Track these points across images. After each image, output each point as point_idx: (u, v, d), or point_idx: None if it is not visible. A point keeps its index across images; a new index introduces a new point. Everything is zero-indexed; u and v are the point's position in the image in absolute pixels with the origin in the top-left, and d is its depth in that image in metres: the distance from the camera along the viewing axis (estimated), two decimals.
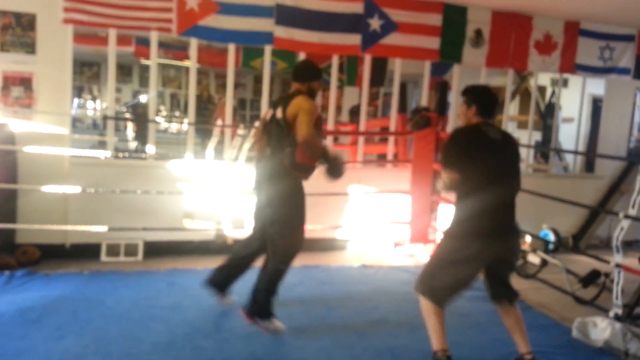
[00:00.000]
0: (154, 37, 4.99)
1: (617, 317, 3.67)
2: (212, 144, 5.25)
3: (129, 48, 7.94)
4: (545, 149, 7.19)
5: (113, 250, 4.92)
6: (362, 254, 5.63)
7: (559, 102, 6.64)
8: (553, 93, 7.66)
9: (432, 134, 5.40)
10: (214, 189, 5.08)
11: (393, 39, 5.53)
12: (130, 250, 4.96)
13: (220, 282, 3.82)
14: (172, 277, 4.47)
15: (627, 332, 3.54)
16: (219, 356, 3.17)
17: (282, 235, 3.44)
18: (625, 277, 3.76)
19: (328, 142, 5.96)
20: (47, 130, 4.73)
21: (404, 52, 5.65)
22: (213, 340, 3.36)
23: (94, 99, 13.46)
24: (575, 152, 7.00)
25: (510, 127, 7.50)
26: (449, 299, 3.04)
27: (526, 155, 6.69)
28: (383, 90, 8.47)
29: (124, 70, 13.19)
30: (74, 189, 4.64)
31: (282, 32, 5.18)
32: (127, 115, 11.89)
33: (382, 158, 6.50)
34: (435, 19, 5.63)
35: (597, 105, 7.27)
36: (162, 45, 7.71)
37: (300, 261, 5.12)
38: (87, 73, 13.25)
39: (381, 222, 5.68)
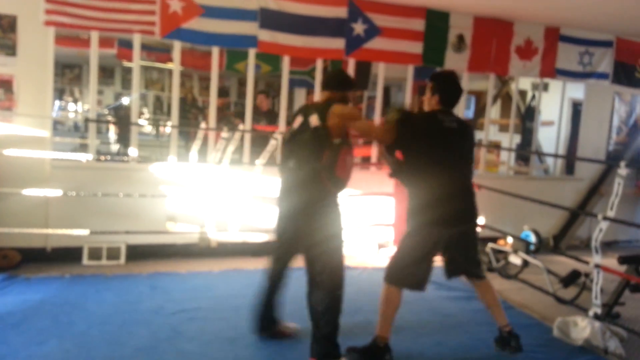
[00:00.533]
0: (136, 39, 4.96)
1: (596, 316, 3.74)
2: (195, 146, 5.21)
3: (112, 50, 7.86)
4: (526, 152, 7.29)
5: (95, 253, 4.87)
6: (346, 255, 5.63)
7: (539, 106, 6.75)
8: (533, 97, 7.77)
9: None
10: (197, 192, 5.06)
11: (376, 43, 5.58)
12: (113, 253, 4.91)
13: (268, 315, 3.48)
14: (154, 280, 4.44)
15: (606, 331, 3.61)
16: None
17: (327, 255, 3.10)
18: (604, 277, 3.83)
19: None
20: (27, 133, 4.67)
21: (387, 56, 5.70)
22: (197, 343, 3.35)
23: (75, 101, 13.30)
24: (556, 155, 7.11)
25: (491, 130, 7.59)
26: (419, 285, 3.26)
27: (507, 158, 6.78)
28: (367, 93, 8.51)
29: (106, 73, 13.06)
30: (55, 192, 4.59)
31: (266, 36, 5.19)
32: (109, 118, 11.78)
33: (366, 161, 6.53)
34: (418, 24, 5.69)
35: (576, 109, 7.40)
36: (145, 47, 7.65)
37: None
38: (68, 75, 13.10)
39: (365, 224, 5.71)
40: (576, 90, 7.11)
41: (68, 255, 4.82)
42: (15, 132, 4.64)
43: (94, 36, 4.85)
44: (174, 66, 5.22)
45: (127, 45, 6.69)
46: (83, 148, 7.27)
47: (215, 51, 5.22)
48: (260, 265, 5.05)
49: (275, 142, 5.12)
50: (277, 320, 3.52)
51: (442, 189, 3.15)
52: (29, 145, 4.60)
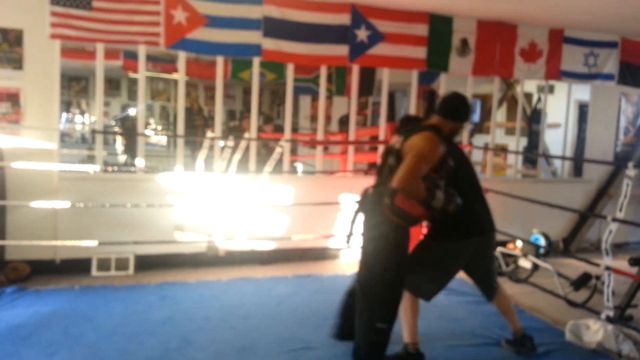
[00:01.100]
0: (142, 50, 4.99)
1: (609, 319, 3.69)
2: (202, 155, 5.23)
3: (117, 62, 7.93)
4: (533, 154, 7.26)
5: (104, 264, 4.89)
6: (354, 262, 5.63)
7: (545, 108, 6.73)
8: (539, 99, 7.74)
9: None
10: (204, 201, 5.07)
11: (380, 49, 5.58)
12: (121, 264, 4.92)
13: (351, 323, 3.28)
14: (163, 290, 4.45)
15: (619, 334, 3.57)
16: None
17: (369, 280, 2.96)
18: (615, 279, 3.79)
19: (318, 151, 5.99)
20: (35, 146, 4.70)
21: (391, 62, 5.70)
22: (207, 353, 3.34)
23: (82, 113, 13.41)
24: (563, 158, 7.07)
25: (497, 134, 7.56)
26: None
27: (514, 161, 6.75)
28: (372, 99, 8.51)
29: (113, 84, 13.18)
30: (64, 204, 4.61)
31: (270, 44, 5.21)
32: (116, 129, 11.85)
33: (372, 167, 6.52)
34: (421, 29, 5.69)
35: (583, 110, 7.37)
36: (150, 58, 7.69)
37: (292, 271, 5.17)
38: (75, 87, 13.22)
39: None
40: (582, 91, 7.08)
41: (77, 266, 4.83)
42: (23, 144, 4.67)
43: (100, 48, 4.88)
44: (180, 76, 5.25)
45: (132, 56, 6.74)
46: (90, 159, 7.32)
47: (219, 61, 5.25)
48: (268, 273, 5.08)
49: (281, 150, 5.13)
50: None
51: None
52: (37, 158, 4.62)
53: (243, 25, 5.11)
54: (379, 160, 3.20)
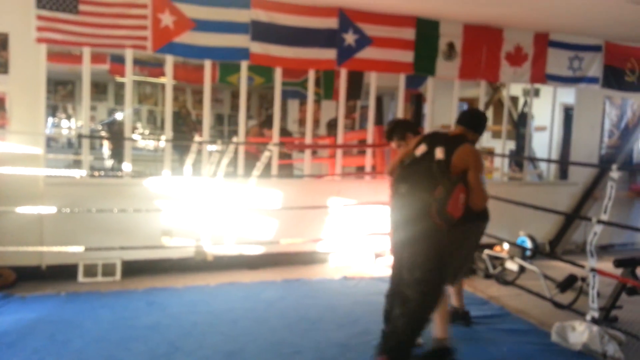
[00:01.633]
0: (129, 54, 4.97)
1: (594, 320, 3.74)
2: (189, 160, 5.21)
3: (104, 66, 7.88)
4: (520, 157, 7.33)
5: (90, 270, 4.85)
6: (343, 266, 5.64)
7: (531, 111, 6.80)
8: (525, 103, 7.82)
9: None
10: (192, 206, 5.05)
11: (368, 53, 5.61)
12: (108, 270, 4.89)
13: None
14: (151, 296, 4.42)
15: (604, 335, 3.61)
16: None
17: (418, 282, 3.08)
18: (600, 281, 3.84)
19: (306, 155, 5.99)
20: (21, 151, 4.65)
21: (378, 65, 5.73)
22: (195, 358, 3.32)
23: (68, 117, 13.28)
24: (549, 160, 7.14)
25: (484, 137, 7.63)
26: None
27: (501, 164, 6.81)
28: (360, 103, 8.55)
29: (99, 88, 13.05)
30: (50, 210, 4.56)
31: (258, 48, 5.22)
32: (103, 134, 11.77)
33: (360, 170, 6.54)
34: (408, 33, 5.73)
35: (568, 113, 7.45)
36: (138, 62, 7.66)
37: (281, 275, 5.16)
38: (61, 92, 13.08)
39: (361, 234, 5.70)
40: (567, 95, 7.16)
41: (63, 272, 4.79)
42: (9, 149, 4.62)
43: (86, 52, 4.86)
44: (167, 80, 5.23)
45: (119, 60, 6.69)
46: (77, 164, 7.25)
47: (207, 64, 5.24)
48: (257, 277, 5.07)
49: (269, 154, 5.13)
50: None
51: None
52: (23, 163, 4.58)
53: (231, 29, 5.11)
54: (387, 166, 3.34)
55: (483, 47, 6.08)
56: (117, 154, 9.25)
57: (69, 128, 12.98)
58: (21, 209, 4.46)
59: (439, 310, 3.27)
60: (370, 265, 5.72)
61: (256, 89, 11.77)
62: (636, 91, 7.10)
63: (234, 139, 5.41)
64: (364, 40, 5.57)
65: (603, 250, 6.70)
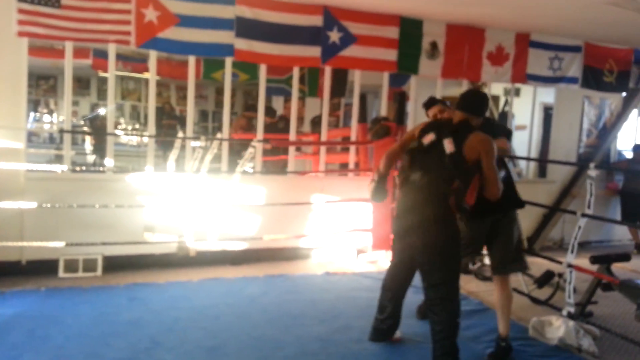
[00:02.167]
0: (112, 49, 4.94)
1: (570, 316, 3.83)
2: (173, 155, 5.20)
3: (87, 60, 7.80)
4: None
5: (71, 266, 4.81)
6: (325, 262, 5.68)
7: (511, 110, 6.90)
8: (506, 102, 7.92)
9: (391, 143, 5.51)
10: (175, 201, 5.04)
11: (352, 51, 5.65)
12: (89, 265, 4.86)
13: (388, 330, 3.59)
14: (132, 291, 4.41)
15: (579, 330, 3.70)
16: None
17: (448, 281, 3.12)
18: (577, 277, 3.93)
19: (290, 152, 6.01)
20: (1, 145, 4.60)
21: (363, 63, 5.77)
22: (176, 354, 3.33)
23: (50, 112, 13.11)
24: (528, 159, 7.26)
25: None
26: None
27: None
28: (344, 100, 8.58)
29: (82, 83, 12.92)
30: (30, 204, 4.52)
31: (242, 45, 5.22)
32: (85, 129, 11.65)
33: (344, 167, 6.58)
34: (392, 32, 5.78)
35: (548, 113, 7.57)
36: (121, 57, 7.61)
37: (263, 271, 5.18)
38: (43, 86, 12.92)
39: (344, 230, 5.75)
40: (547, 94, 7.28)
41: (44, 268, 4.75)
42: None
43: (69, 47, 4.81)
44: (150, 76, 5.21)
45: (102, 55, 6.64)
46: (58, 159, 7.18)
47: (191, 60, 5.23)
48: (240, 273, 5.08)
49: (252, 150, 5.14)
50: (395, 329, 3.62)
51: None
52: (3, 157, 4.53)
53: (215, 25, 5.10)
54: (408, 160, 3.28)
55: (465, 46, 6.16)
56: (100, 149, 9.17)
57: (51, 123, 12.83)
58: (1, 204, 4.42)
59: (509, 305, 3.47)
60: (352, 261, 5.77)
61: (241, 86, 11.74)
62: (614, 91, 7.25)
63: (218, 135, 5.41)
64: (348, 38, 5.60)
65: (580, 247, 6.76)
